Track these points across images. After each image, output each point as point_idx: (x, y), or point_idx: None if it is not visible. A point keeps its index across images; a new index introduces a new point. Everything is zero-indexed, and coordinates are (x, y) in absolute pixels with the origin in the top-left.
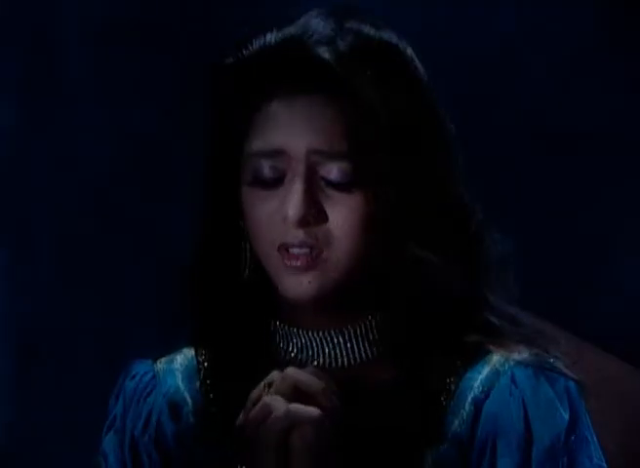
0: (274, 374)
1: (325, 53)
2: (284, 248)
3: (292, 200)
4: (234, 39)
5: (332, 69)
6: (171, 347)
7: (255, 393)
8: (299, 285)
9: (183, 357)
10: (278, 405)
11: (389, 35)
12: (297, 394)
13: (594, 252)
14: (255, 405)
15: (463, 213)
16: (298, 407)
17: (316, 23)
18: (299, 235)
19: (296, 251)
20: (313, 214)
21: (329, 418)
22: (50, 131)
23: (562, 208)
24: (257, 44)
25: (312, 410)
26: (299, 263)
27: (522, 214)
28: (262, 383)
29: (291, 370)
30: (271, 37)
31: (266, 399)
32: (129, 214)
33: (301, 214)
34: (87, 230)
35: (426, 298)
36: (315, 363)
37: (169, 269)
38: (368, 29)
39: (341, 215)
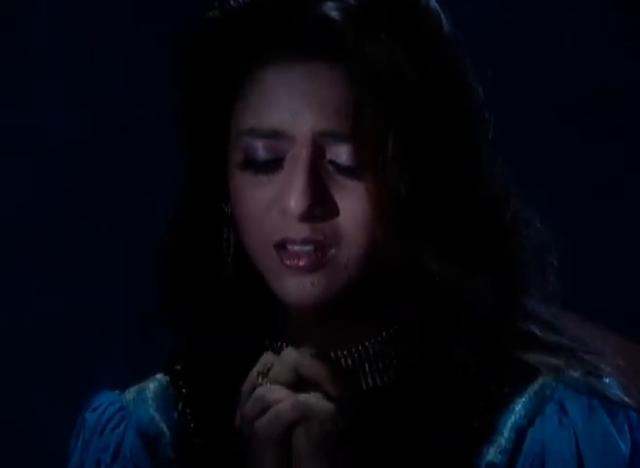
0: (267, 359)
1: (333, 10)
2: (283, 245)
3: (294, 188)
4: None
5: (341, 32)
6: (141, 371)
7: (248, 384)
8: (300, 287)
9: (157, 384)
10: (279, 395)
11: None
12: (298, 382)
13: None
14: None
15: (494, 203)
16: (307, 397)
17: None
18: (302, 230)
19: (297, 248)
20: (320, 205)
21: (342, 411)
22: (11, 105)
23: (616, 194)
24: None
25: (325, 402)
26: (301, 263)
27: (571, 201)
28: (255, 371)
29: (289, 353)
30: None
31: (262, 389)
32: (104, 200)
33: (306, 206)
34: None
35: (448, 307)
36: None
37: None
38: None
39: (353, 206)
